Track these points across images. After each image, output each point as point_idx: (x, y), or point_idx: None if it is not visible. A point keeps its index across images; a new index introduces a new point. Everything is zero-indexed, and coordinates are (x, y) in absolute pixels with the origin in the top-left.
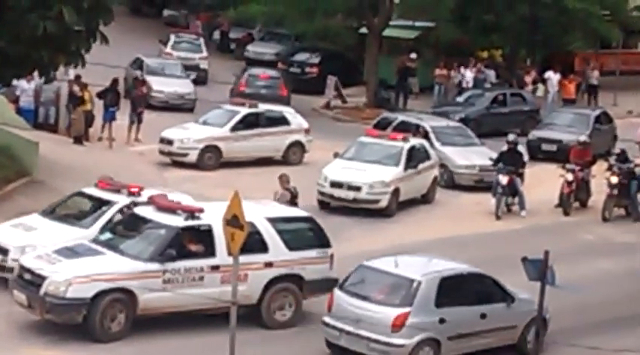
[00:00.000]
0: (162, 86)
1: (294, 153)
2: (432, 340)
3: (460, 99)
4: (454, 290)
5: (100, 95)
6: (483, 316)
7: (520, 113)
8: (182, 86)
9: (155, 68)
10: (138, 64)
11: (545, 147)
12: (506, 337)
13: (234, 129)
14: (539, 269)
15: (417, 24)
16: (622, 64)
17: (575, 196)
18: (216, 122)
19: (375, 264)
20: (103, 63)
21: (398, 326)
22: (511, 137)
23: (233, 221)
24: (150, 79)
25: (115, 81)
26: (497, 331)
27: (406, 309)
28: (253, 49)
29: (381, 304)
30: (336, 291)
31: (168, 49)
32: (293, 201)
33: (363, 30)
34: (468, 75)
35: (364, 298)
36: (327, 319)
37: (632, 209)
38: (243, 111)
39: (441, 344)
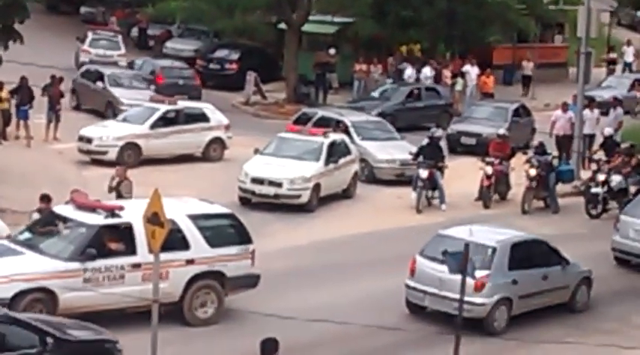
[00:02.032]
0: (129, 98)
1: (214, 150)
2: (507, 299)
3: (375, 93)
4: (522, 254)
5: (12, 94)
6: (545, 277)
7: (435, 107)
8: (146, 97)
9: (116, 79)
10: (94, 74)
11: (464, 140)
12: (561, 296)
13: (153, 126)
14: (460, 262)
15: (336, 19)
16: (539, 57)
17: (494, 189)
18: (135, 119)
19: (451, 233)
20: (15, 60)
21: (479, 287)
22: (433, 131)
23: (153, 218)
24: (113, 90)
25: (24, 78)
26: (554, 291)
27: (485, 272)
28: (172, 46)
29: None
30: (418, 257)
31: (85, 47)
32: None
33: (282, 26)
34: (428, 73)
35: (445, 262)
36: (410, 282)
37: (551, 201)
38: (163, 108)
39: (513, 302)
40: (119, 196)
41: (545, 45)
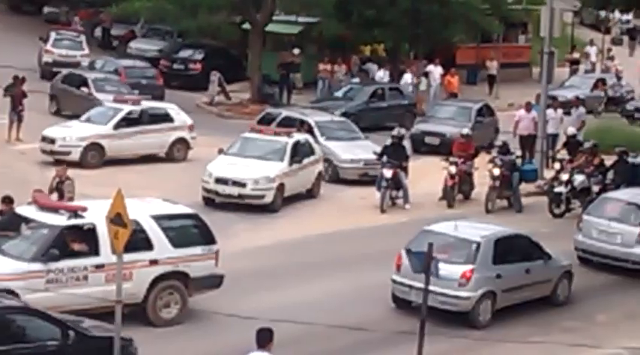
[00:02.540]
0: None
1: (178, 150)
2: (491, 292)
3: (339, 93)
4: (505, 249)
5: None
6: (528, 271)
7: (398, 107)
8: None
9: (101, 84)
10: (77, 79)
11: (428, 140)
12: (543, 290)
13: (117, 126)
14: (424, 262)
15: (300, 19)
16: (503, 56)
17: (458, 189)
18: (98, 120)
19: (436, 228)
20: None
21: (465, 281)
22: (396, 131)
23: (116, 219)
24: (98, 95)
25: None
26: (537, 284)
27: (470, 266)
28: (136, 46)
29: (447, 262)
30: (403, 253)
31: (48, 47)
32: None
33: (246, 26)
34: (408, 78)
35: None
36: (396, 277)
37: (514, 200)
38: (126, 108)
39: (497, 296)
40: (61, 196)
41: (508, 45)
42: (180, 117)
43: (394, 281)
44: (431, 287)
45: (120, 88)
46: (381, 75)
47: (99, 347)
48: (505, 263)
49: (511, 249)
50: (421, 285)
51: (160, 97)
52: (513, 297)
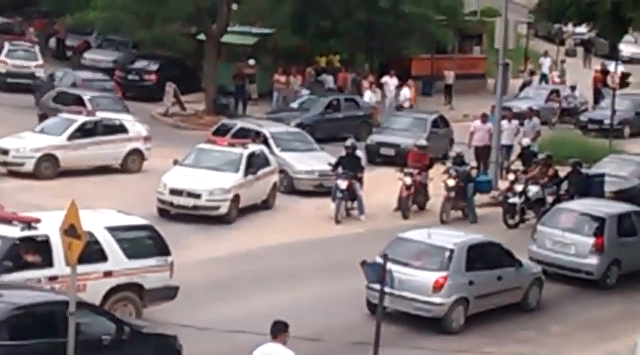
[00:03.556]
0: None
1: (132, 162)
2: (464, 299)
3: (294, 105)
4: (478, 256)
5: None
6: (499, 278)
7: (354, 118)
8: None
9: (98, 103)
10: (70, 98)
11: (383, 151)
12: (514, 296)
13: (71, 137)
14: (378, 273)
15: (255, 30)
16: (458, 68)
17: (413, 199)
18: (53, 130)
19: (410, 236)
20: None
21: (438, 287)
22: (349, 142)
23: (70, 230)
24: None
25: None
26: (508, 291)
27: (444, 273)
28: (90, 57)
29: (421, 269)
30: (377, 260)
31: (2, 58)
32: None
33: (202, 37)
34: (407, 95)
35: (404, 264)
36: (370, 283)
37: (469, 211)
38: (81, 119)
39: (470, 302)
40: None
41: (463, 56)
42: (135, 128)
43: (368, 288)
44: (405, 293)
45: (116, 105)
46: (370, 95)
47: (150, 343)
48: (477, 270)
49: (483, 256)
50: (394, 292)
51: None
52: (485, 304)
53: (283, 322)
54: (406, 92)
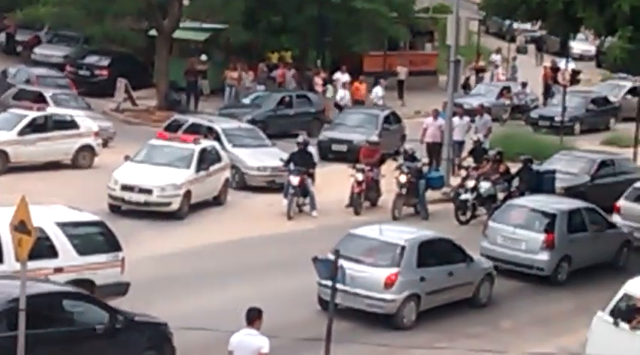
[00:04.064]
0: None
1: (83, 157)
2: (415, 295)
3: (246, 100)
4: (429, 252)
5: None
6: (450, 274)
7: (306, 114)
8: (102, 121)
9: (59, 100)
10: (31, 95)
11: (335, 147)
12: (465, 292)
13: (21, 133)
14: (330, 269)
15: (207, 26)
16: (410, 64)
17: (365, 196)
18: (2, 126)
19: (362, 232)
20: None
21: (390, 284)
22: (301, 138)
23: (20, 226)
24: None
25: None
26: (459, 287)
27: (395, 269)
28: (41, 52)
29: (372, 265)
30: (328, 256)
31: None
32: None
33: (153, 32)
34: (379, 93)
35: (356, 261)
36: (321, 280)
37: (421, 207)
38: (31, 114)
39: (421, 298)
40: None
41: (415, 52)
42: (85, 123)
43: (320, 285)
44: (357, 290)
45: (77, 102)
46: (342, 95)
47: (143, 331)
48: (429, 266)
49: (435, 253)
50: (346, 288)
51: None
52: (437, 299)
53: (257, 308)
54: (378, 90)
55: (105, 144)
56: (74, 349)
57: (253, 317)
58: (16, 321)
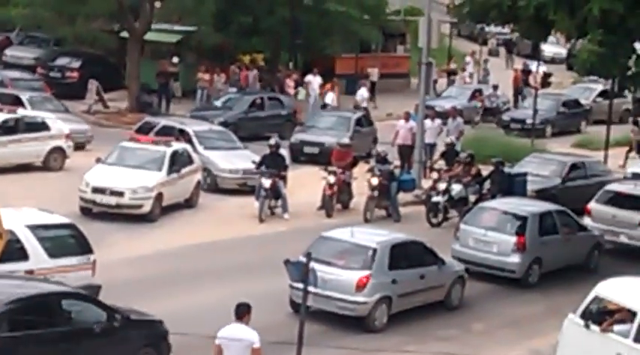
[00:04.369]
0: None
1: (54, 160)
2: (387, 297)
3: (218, 103)
4: (401, 255)
5: None
6: (422, 277)
7: (278, 117)
8: (79, 124)
9: (37, 103)
10: (9, 98)
11: (307, 149)
12: (437, 294)
13: None
14: (302, 271)
15: (179, 28)
16: (382, 67)
17: (337, 198)
18: None
19: (333, 234)
20: None
21: (361, 286)
22: (272, 140)
23: None
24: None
25: None
26: (431, 289)
27: (367, 272)
28: (12, 54)
29: (344, 268)
30: (300, 258)
31: None
32: None
33: (125, 34)
34: (364, 94)
35: (327, 263)
36: (293, 283)
37: (393, 210)
38: (1, 116)
39: (393, 300)
40: None
41: (387, 55)
42: (57, 125)
43: (291, 287)
44: (328, 292)
45: (55, 104)
46: (332, 97)
47: (139, 328)
48: (401, 268)
49: (406, 255)
50: (317, 291)
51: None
52: (408, 302)
53: (247, 304)
54: (363, 92)
55: (82, 147)
56: (73, 348)
57: (243, 312)
58: (18, 322)
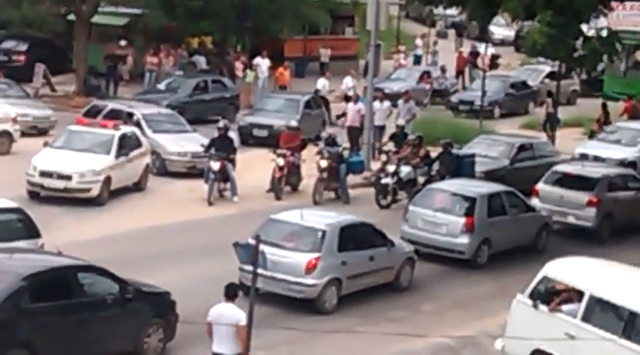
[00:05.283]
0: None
1: (1, 143)
2: (336, 279)
3: (161, 86)
4: (350, 237)
5: None
6: (372, 258)
7: (221, 100)
8: (42, 109)
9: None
10: None
11: (256, 132)
12: (386, 276)
13: None
14: (251, 254)
15: (126, 10)
16: (331, 49)
17: (286, 181)
18: None
19: (283, 217)
20: None
21: (311, 268)
22: (221, 123)
23: None
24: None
25: None
26: (380, 271)
27: (316, 254)
28: None
29: (293, 250)
30: (249, 241)
31: None
32: None
33: (72, 17)
34: (349, 83)
35: (277, 246)
36: (243, 265)
37: (342, 192)
38: None
39: (342, 282)
40: None
41: (336, 37)
42: (3, 109)
43: (241, 270)
44: (277, 275)
45: (16, 90)
46: (323, 83)
47: (150, 300)
48: (350, 250)
49: (356, 237)
50: (267, 273)
51: None
52: (358, 284)
53: (236, 284)
54: (349, 80)
55: (45, 133)
56: (88, 318)
57: (232, 291)
58: (38, 294)
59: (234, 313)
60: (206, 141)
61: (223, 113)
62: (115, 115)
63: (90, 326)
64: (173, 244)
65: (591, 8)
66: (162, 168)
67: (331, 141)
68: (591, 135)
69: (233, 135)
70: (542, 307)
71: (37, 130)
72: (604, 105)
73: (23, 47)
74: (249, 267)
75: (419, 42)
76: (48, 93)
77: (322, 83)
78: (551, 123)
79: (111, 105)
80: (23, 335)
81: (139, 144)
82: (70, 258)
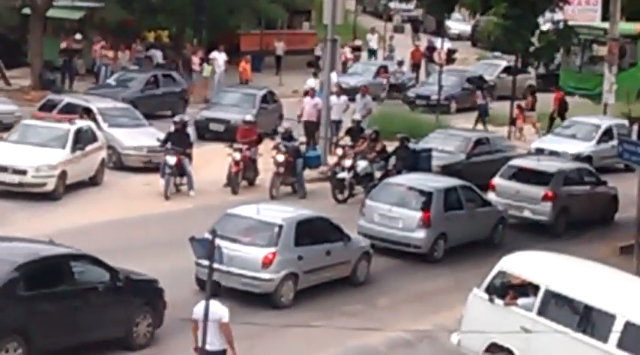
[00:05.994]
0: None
1: None
2: (293, 274)
3: (111, 81)
4: (307, 231)
5: None
6: (328, 253)
7: (172, 94)
8: (7, 104)
9: None
10: None
11: (212, 126)
12: (343, 271)
13: None
14: (207, 249)
15: (82, 4)
16: (287, 44)
17: (242, 175)
18: None
19: (239, 211)
20: None
21: (267, 263)
22: (178, 117)
23: None
24: None
25: None
26: (337, 265)
27: (273, 249)
28: None
29: (249, 245)
30: (206, 235)
31: None
32: None
33: (26, 10)
34: (312, 84)
35: (233, 240)
36: (199, 260)
37: (298, 186)
38: None
39: (299, 277)
40: None
41: (293, 32)
42: None
43: (197, 264)
44: (234, 269)
45: None
46: (312, 84)
47: (140, 288)
48: (306, 245)
49: (312, 231)
50: (223, 268)
51: None
52: (314, 278)
53: (217, 281)
54: (333, 75)
55: (10, 128)
56: (80, 306)
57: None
58: (33, 282)
59: (216, 310)
60: (162, 136)
61: (173, 108)
62: (70, 109)
63: (82, 313)
64: (129, 238)
65: (546, 1)
66: (118, 162)
67: (288, 136)
68: (512, 122)
69: (189, 129)
70: (498, 301)
71: (1, 125)
72: (533, 93)
73: None
74: (206, 262)
75: (369, 36)
76: (3, 87)
77: (312, 83)
78: (481, 115)
79: (66, 99)
80: (18, 322)
81: (94, 139)
82: (62, 247)
